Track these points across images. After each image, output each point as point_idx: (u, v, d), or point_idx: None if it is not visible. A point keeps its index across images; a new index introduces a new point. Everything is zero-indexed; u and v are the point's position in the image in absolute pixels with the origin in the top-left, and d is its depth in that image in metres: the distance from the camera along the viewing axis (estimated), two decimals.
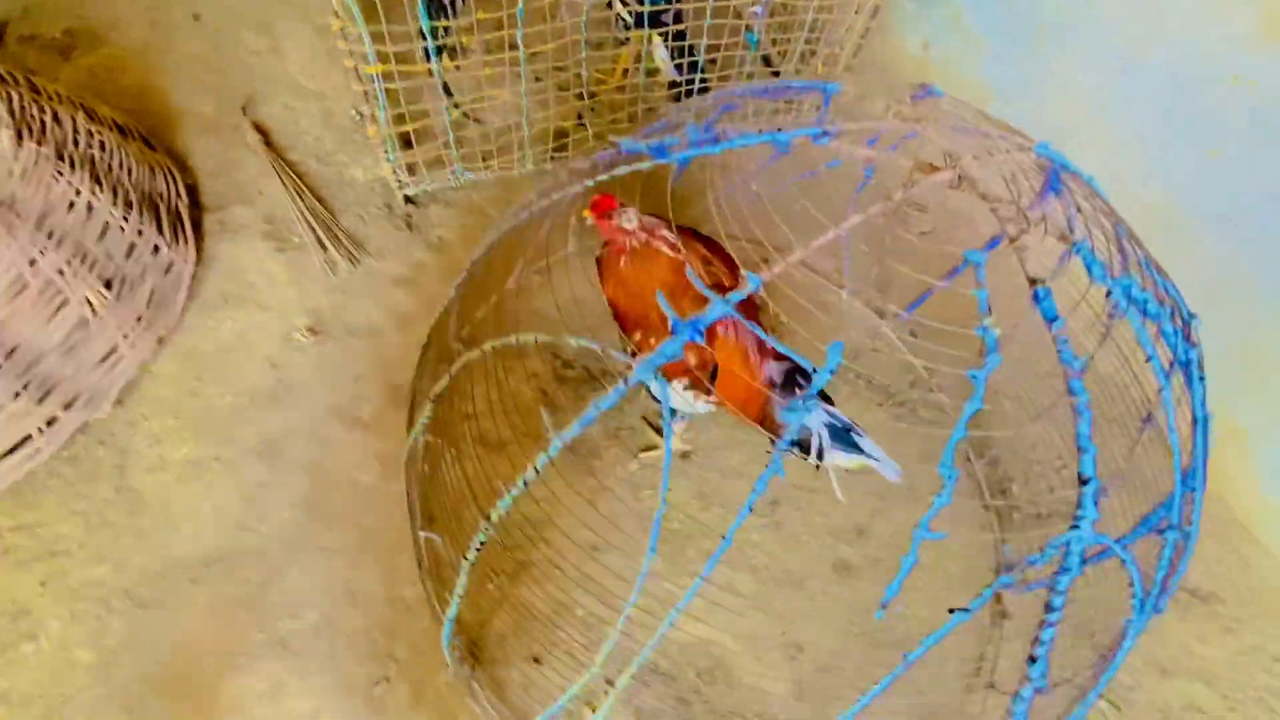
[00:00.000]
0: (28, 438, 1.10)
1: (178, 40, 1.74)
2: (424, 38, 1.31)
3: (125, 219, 1.23)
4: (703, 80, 1.54)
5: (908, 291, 1.34)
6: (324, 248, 1.44)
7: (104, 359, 1.18)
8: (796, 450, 1.02)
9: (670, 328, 0.59)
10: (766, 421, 1.04)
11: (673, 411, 1.22)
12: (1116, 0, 1.28)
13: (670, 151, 0.60)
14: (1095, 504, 0.48)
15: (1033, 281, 0.50)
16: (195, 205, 1.45)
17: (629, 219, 0.89)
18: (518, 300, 1.38)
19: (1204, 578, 1.32)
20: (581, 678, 0.92)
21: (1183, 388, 0.62)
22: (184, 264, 1.34)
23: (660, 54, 1.54)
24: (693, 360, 0.92)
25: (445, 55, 1.43)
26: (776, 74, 1.75)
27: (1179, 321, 0.61)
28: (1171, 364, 0.60)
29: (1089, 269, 0.54)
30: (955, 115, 0.61)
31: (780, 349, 0.66)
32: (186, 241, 1.36)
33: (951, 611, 0.56)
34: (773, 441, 1.02)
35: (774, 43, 1.78)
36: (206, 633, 1.03)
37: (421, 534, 1.12)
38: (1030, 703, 0.57)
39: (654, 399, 1.26)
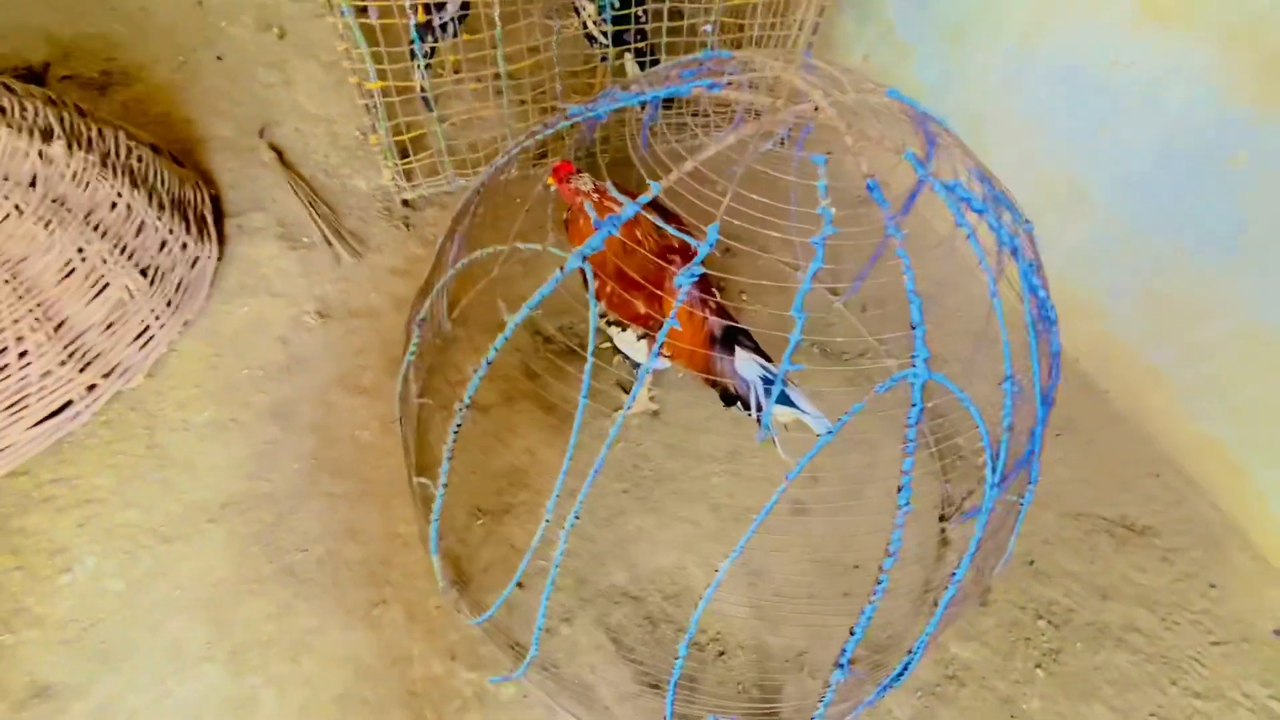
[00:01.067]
0: (69, 402, 1.25)
1: (202, 77, 1.97)
2: (414, 57, 1.51)
3: (159, 219, 1.41)
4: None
5: (853, 274, 1.51)
6: (330, 243, 1.62)
7: (138, 336, 1.34)
8: (738, 405, 1.16)
9: (594, 223, 0.73)
10: (711, 373, 1.18)
11: (636, 366, 1.37)
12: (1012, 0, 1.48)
13: (609, 107, 0.76)
14: (924, 343, 0.62)
15: (867, 176, 0.64)
16: (218, 211, 1.64)
17: (584, 181, 1.05)
18: (503, 285, 1.54)
19: (1139, 512, 1.42)
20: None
21: (1010, 261, 0.75)
22: (208, 259, 1.52)
23: (632, 69, 1.74)
24: (642, 310, 1.05)
25: (430, 73, 1.63)
26: None
27: (1008, 219, 0.75)
28: (999, 248, 0.75)
29: (915, 167, 0.68)
30: (825, 67, 0.76)
31: (669, 230, 0.77)
32: (211, 240, 1.54)
33: (819, 435, 0.69)
34: (725, 398, 1.16)
35: None
36: (223, 563, 1.16)
37: (415, 481, 1.25)
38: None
39: (626, 359, 1.40)
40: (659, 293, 1.14)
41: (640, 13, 1.59)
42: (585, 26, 1.69)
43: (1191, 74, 1.23)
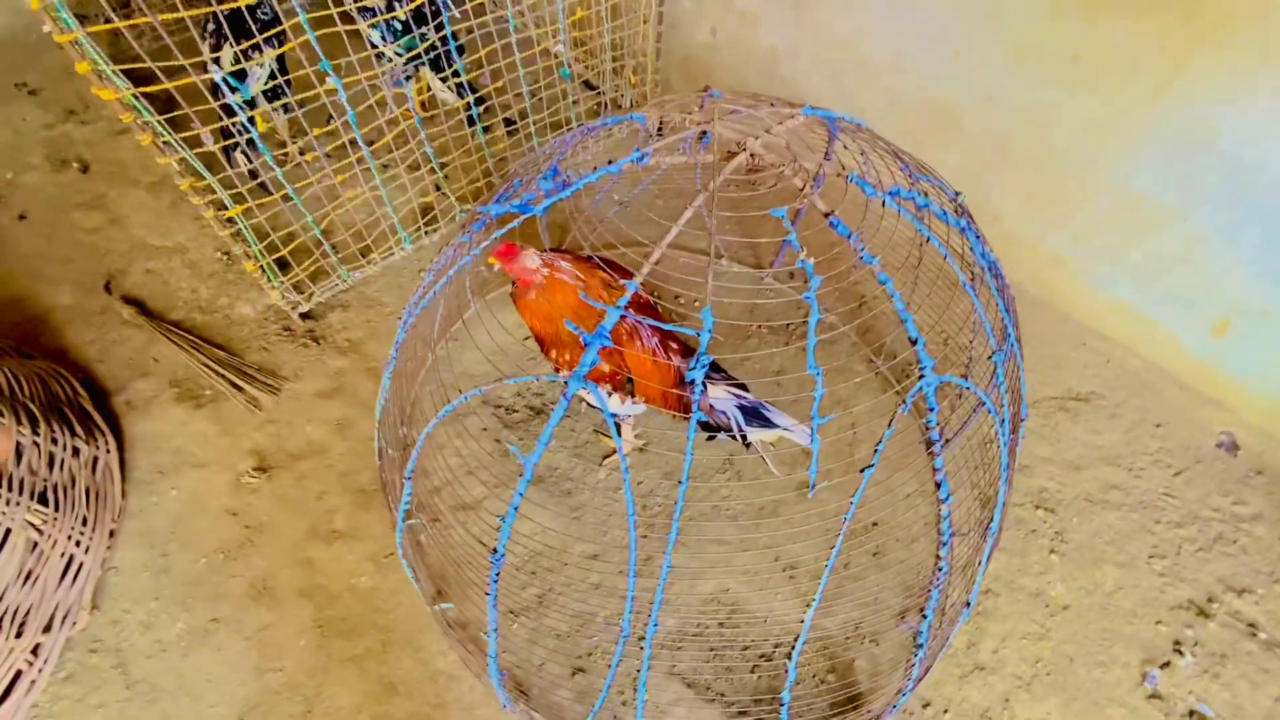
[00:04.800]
0: (18, 674, 1.08)
1: (9, 246, 1.71)
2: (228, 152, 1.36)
3: (35, 434, 1.22)
4: (511, 121, 1.68)
5: (771, 248, 1.53)
6: (239, 389, 1.47)
7: (64, 572, 1.17)
8: (722, 434, 1.17)
9: (581, 341, 0.71)
10: (687, 410, 1.18)
11: (614, 415, 1.35)
12: None
13: (532, 205, 0.72)
14: (927, 354, 0.64)
15: (827, 214, 0.65)
16: (96, 395, 1.44)
17: (531, 259, 0.99)
18: (442, 370, 1.46)
19: (1079, 382, 1.57)
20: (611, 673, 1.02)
21: (965, 245, 0.80)
22: (107, 454, 1.34)
23: (437, 86, 1.68)
24: (606, 369, 1.04)
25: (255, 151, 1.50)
26: (600, 92, 1.92)
27: (946, 202, 0.79)
28: (948, 231, 0.79)
29: (862, 188, 0.70)
30: (734, 106, 0.76)
31: (663, 327, 0.78)
32: (102, 432, 1.36)
33: (863, 470, 0.71)
34: (707, 429, 1.17)
35: (587, 68, 1.95)
36: None
37: (436, 609, 1.19)
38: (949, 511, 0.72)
39: (594, 407, 1.38)
40: (619, 348, 1.12)
41: (436, 38, 1.52)
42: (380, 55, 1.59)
43: None
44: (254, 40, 1.23)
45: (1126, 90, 1.29)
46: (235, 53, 1.41)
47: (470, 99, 1.57)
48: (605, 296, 1.05)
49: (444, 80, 1.61)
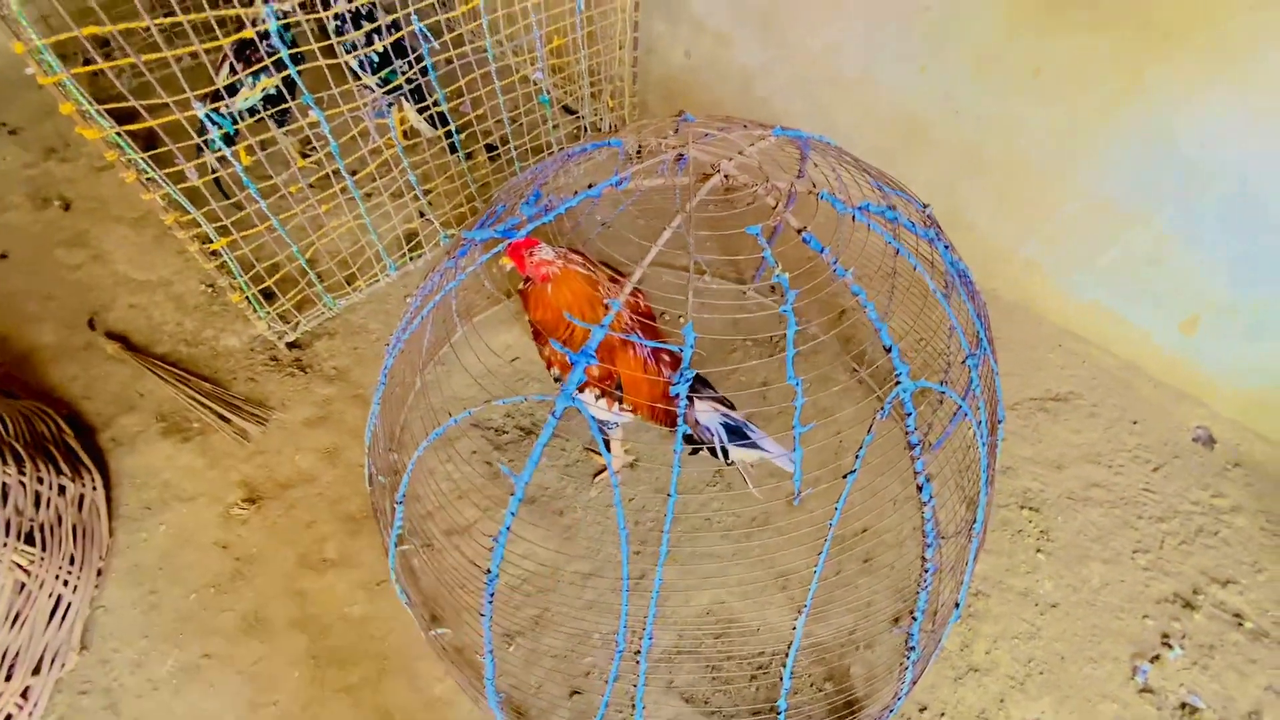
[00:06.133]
0: (9, 718, 1.07)
1: None
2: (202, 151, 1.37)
3: (20, 473, 1.21)
4: (493, 147, 1.71)
5: (752, 263, 1.56)
6: (227, 421, 1.47)
7: (53, 612, 1.15)
8: (705, 450, 1.19)
9: (569, 357, 0.73)
10: (673, 424, 1.20)
11: (602, 425, 1.36)
12: None
13: (516, 230, 0.74)
14: (901, 360, 0.67)
15: (799, 230, 0.68)
16: (81, 432, 1.43)
17: (545, 252, 1.00)
18: (431, 394, 1.47)
19: (1057, 383, 1.61)
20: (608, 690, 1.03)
21: (935, 255, 0.83)
22: (93, 492, 1.33)
23: (411, 114, 1.71)
24: (596, 372, 1.05)
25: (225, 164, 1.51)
26: (579, 116, 1.95)
27: (915, 215, 0.82)
28: (917, 242, 0.81)
29: (833, 204, 0.73)
30: (707, 130, 0.79)
31: (649, 344, 0.80)
32: (88, 470, 1.35)
33: (845, 476, 0.73)
34: (690, 443, 1.18)
35: (566, 93, 1.99)
36: None
37: (432, 634, 1.18)
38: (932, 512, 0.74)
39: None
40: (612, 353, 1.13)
41: (415, 70, 1.55)
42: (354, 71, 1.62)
43: (984, 6, 1.37)
44: (255, 67, 1.26)
45: (1087, 100, 1.34)
46: (237, 71, 1.43)
47: (449, 128, 1.60)
48: (613, 291, 1.06)
49: (422, 111, 1.63)
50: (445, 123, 1.57)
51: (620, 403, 1.10)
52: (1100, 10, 1.25)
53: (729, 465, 1.21)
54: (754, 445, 1.08)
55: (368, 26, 1.34)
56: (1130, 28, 1.24)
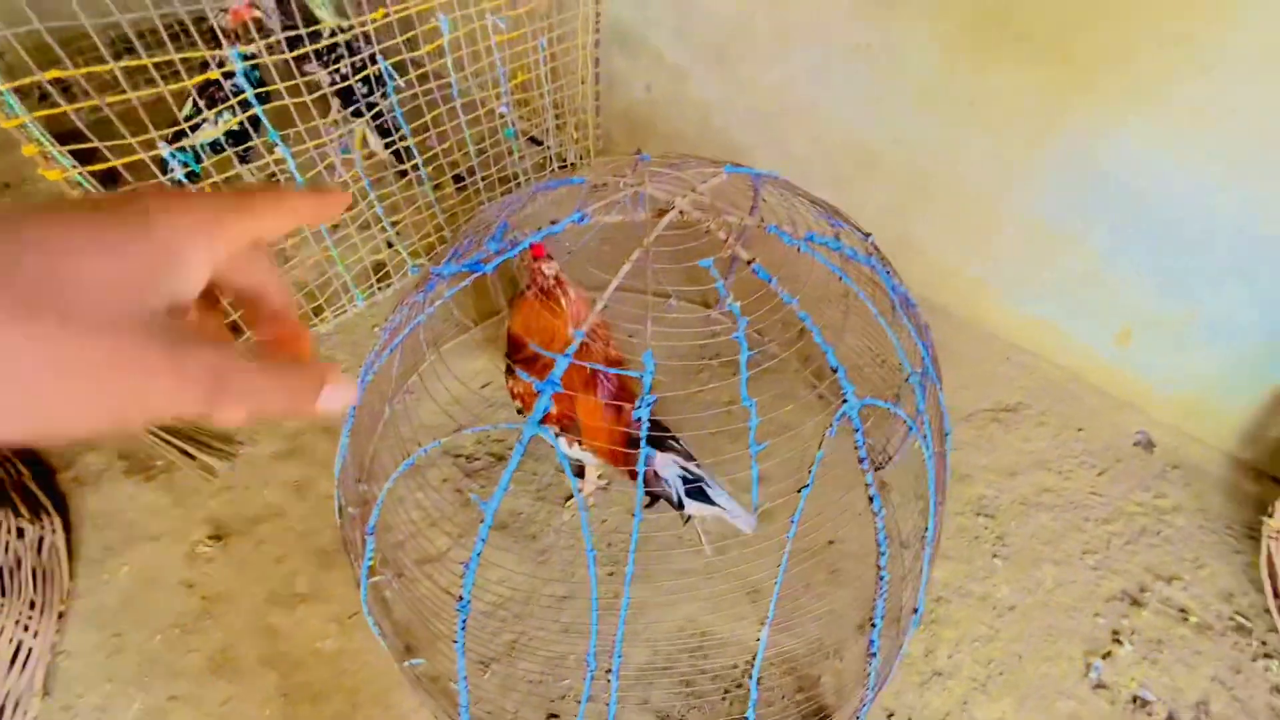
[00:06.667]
0: None
1: None
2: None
3: None
4: (460, 178, 1.75)
5: (715, 292, 1.62)
6: (192, 458, 1.45)
7: (14, 658, 1.13)
8: (663, 501, 1.21)
9: (535, 386, 0.76)
10: (631, 469, 1.22)
11: (576, 465, 1.38)
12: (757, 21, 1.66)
13: (483, 264, 0.77)
14: (848, 380, 0.71)
15: (748, 261, 0.72)
16: (40, 472, 1.40)
17: (550, 267, 1.04)
18: (400, 424, 1.48)
19: (1007, 394, 1.69)
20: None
21: (877, 282, 0.89)
22: (53, 534, 1.30)
23: (373, 140, 1.75)
24: (555, 411, 1.08)
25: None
26: (546, 147, 2.00)
27: (858, 243, 0.88)
28: (862, 272, 0.87)
29: (781, 236, 0.78)
30: (663, 168, 0.84)
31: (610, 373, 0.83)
32: (47, 512, 1.32)
33: (799, 491, 0.77)
34: (650, 495, 1.21)
35: (532, 125, 2.04)
36: None
37: (407, 664, 1.18)
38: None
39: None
40: (570, 394, 1.16)
41: (367, 89, 1.58)
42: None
43: (919, 41, 1.47)
44: (220, 107, 1.28)
45: (1017, 129, 1.44)
46: (200, 107, 1.45)
47: (415, 161, 1.63)
48: (599, 333, 1.09)
49: (388, 147, 1.67)
50: (411, 156, 1.60)
51: (580, 443, 1.13)
52: (1027, 47, 1.36)
53: (686, 521, 1.23)
54: (711, 502, 1.10)
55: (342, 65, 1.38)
56: (1054, 63, 1.34)
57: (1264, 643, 1.31)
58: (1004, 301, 1.70)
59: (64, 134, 1.19)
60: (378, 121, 1.60)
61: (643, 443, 0.70)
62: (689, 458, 1.13)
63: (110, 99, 1.12)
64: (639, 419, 0.71)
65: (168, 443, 1.46)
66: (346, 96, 1.61)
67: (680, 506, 1.08)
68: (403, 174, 1.70)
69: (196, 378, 0.27)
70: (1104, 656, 1.28)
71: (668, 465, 1.08)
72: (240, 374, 0.29)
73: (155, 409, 0.27)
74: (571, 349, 0.73)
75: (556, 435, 1.23)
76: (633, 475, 1.18)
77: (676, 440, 1.18)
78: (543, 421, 1.02)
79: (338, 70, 1.56)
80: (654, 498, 1.18)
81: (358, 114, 1.60)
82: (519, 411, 1.22)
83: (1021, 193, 1.51)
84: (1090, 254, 1.51)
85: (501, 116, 1.65)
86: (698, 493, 1.08)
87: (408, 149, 1.56)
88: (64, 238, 0.26)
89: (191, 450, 1.45)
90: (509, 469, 0.74)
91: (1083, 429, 1.63)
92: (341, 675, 1.21)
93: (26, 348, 0.23)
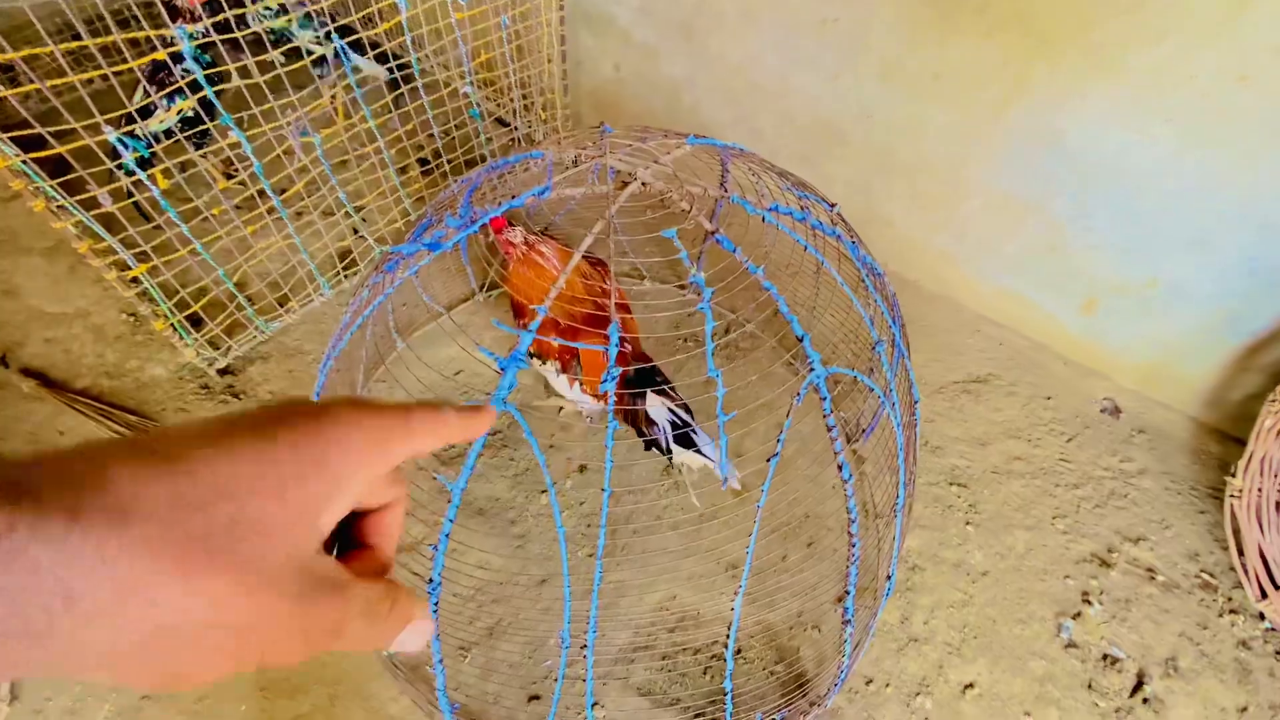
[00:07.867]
0: None
1: None
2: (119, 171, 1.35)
3: None
4: (425, 161, 1.72)
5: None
6: None
7: None
8: (653, 448, 1.22)
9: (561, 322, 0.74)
10: (624, 409, 1.23)
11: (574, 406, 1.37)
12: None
13: (443, 242, 0.76)
14: (813, 349, 0.71)
15: (711, 232, 0.72)
16: None
17: (515, 235, 1.04)
18: None
19: (977, 365, 1.71)
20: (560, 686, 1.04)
21: (843, 253, 0.89)
22: None
23: (368, 66, 1.68)
24: (556, 345, 1.07)
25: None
26: (514, 128, 1.97)
27: (823, 214, 0.88)
28: (830, 245, 0.87)
29: (744, 206, 0.78)
30: (626, 140, 0.83)
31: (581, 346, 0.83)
32: None
33: (768, 460, 0.77)
34: (644, 437, 1.22)
35: (499, 105, 2.01)
36: None
37: (384, 654, 1.17)
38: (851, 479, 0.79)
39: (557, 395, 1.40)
40: (575, 328, 1.16)
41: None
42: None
43: (884, 15, 1.46)
44: (169, 89, 1.24)
45: (979, 101, 1.45)
46: (150, 92, 1.40)
47: (415, 84, 1.56)
48: (580, 286, 1.09)
49: (390, 72, 1.58)
50: (410, 81, 1.52)
51: (581, 383, 1.13)
52: (987, 18, 1.36)
53: (670, 466, 1.24)
54: (698, 451, 1.11)
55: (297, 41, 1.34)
56: (1014, 34, 1.35)
57: (1229, 599, 1.35)
58: (972, 274, 1.72)
59: (8, 124, 1.14)
60: (376, 51, 1.54)
61: (610, 416, 0.69)
62: (685, 408, 1.14)
63: (53, 83, 1.08)
64: (607, 391, 0.70)
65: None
66: (320, 64, 1.55)
67: (668, 451, 1.09)
68: (399, 98, 1.62)
69: (315, 640, 0.26)
70: (1074, 617, 1.32)
71: (658, 407, 1.08)
72: (350, 628, 0.28)
73: (268, 663, 0.26)
74: (543, 309, 0.72)
75: (558, 374, 1.22)
76: (625, 416, 1.19)
77: (672, 388, 1.18)
78: (546, 354, 1.01)
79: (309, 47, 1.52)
80: (648, 444, 1.18)
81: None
82: (560, 371, 1.23)
83: (985, 164, 1.52)
84: (1054, 224, 1.53)
85: (465, 97, 1.62)
86: (685, 440, 1.09)
87: (404, 69, 1.49)
88: (235, 477, 0.24)
89: None
90: (474, 450, 0.73)
91: (1051, 397, 1.66)
92: (319, 668, 1.20)
93: (183, 606, 0.21)
